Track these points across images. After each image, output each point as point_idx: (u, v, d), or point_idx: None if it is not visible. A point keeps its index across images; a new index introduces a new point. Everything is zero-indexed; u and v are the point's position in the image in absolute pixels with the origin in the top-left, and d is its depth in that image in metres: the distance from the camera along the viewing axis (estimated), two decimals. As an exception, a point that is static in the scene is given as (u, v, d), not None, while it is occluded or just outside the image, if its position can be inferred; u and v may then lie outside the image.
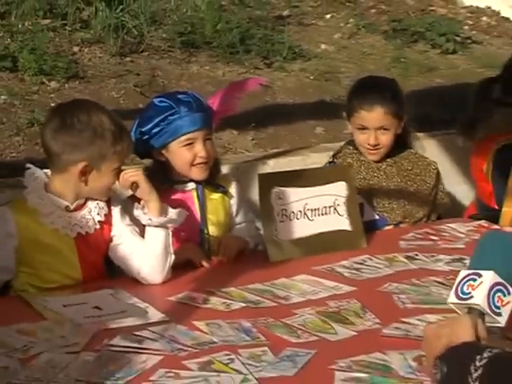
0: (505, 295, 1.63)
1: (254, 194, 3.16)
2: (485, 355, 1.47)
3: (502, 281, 1.62)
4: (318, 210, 3.08)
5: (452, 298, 1.67)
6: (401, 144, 3.47)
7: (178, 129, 2.90)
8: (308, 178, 3.12)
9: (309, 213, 3.06)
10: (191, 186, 2.99)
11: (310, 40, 6.85)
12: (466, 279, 1.65)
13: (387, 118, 3.32)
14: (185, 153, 2.92)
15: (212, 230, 3.01)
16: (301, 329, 2.28)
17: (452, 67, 6.88)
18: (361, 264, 2.89)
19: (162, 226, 2.69)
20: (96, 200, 2.71)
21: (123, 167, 2.74)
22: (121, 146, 2.65)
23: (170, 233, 2.72)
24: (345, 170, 3.22)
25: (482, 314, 1.62)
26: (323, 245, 3.04)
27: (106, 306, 2.43)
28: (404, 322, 2.31)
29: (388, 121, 3.32)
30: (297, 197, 3.04)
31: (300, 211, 3.04)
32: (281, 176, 3.13)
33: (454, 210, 3.69)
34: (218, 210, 3.05)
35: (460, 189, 4.38)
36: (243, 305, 2.48)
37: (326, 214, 3.09)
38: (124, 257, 2.72)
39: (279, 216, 3.00)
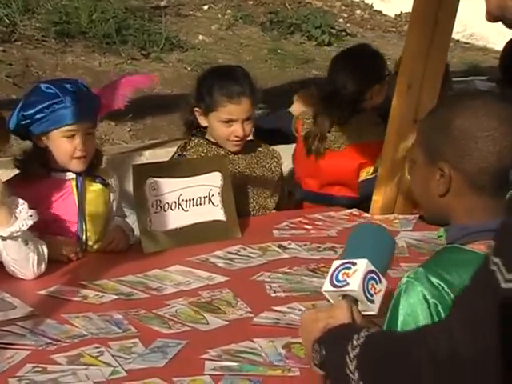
0: (377, 283, 1.66)
1: (130, 186, 3.12)
2: (362, 334, 1.48)
3: (375, 269, 1.66)
4: (193, 200, 3.08)
5: (327, 287, 1.67)
6: None
7: (61, 118, 2.81)
8: (183, 168, 3.11)
9: (183, 203, 3.05)
10: (70, 175, 2.92)
11: (188, 31, 6.84)
12: (340, 268, 1.67)
13: (252, 108, 3.31)
14: (65, 144, 2.84)
15: (90, 221, 2.96)
16: (172, 319, 2.27)
17: (327, 59, 6.95)
18: (235, 254, 2.90)
19: (12, 236, 2.58)
20: None
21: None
22: None
23: (20, 238, 2.59)
24: (219, 161, 3.22)
25: (355, 302, 1.65)
26: (198, 235, 3.03)
27: (-28, 301, 2.36)
28: (275, 311, 2.34)
29: (252, 110, 3.32)
30: (171, 187, 3.02)
31: (174, 202, 3.03)
32: (155, 167, 3.11)
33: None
34: (97, 202, 2.99)
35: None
36: (115, 297, 2.46)
37: (200, 204, 3.08)
38: None
39: (154, 207, 2.98)
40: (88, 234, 2.93)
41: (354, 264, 1.66)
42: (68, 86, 2.88)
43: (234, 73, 3.36)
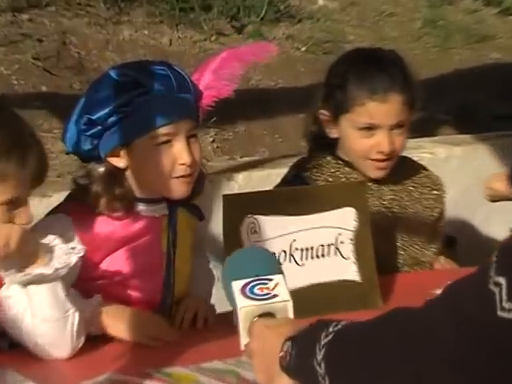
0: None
1: (216, 224, 3.16)
2: (342, 323, 1.88)
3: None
4: (312, 249, 3.10)
5: (244, 302, 2.16)
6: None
7: (149, 118, 2.79)
8: (298, 201, 3.13)
9: (297, 254, 3.07)
10: (161, 209, 2.97)
11: (302, -8, 6.92)
12: (251, 285, 2.19)
13: (405, 111, 3.32)
14: (160, 156, 2.83)
15: (179, 276, 3.02)
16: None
17: (515, 34, 6.98)
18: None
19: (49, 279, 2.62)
20: None
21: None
22: (6, 169, 2.57)
23: (60, 284, 2.63)
24: (355, 190, 3.21)
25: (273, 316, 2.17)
26: (318, 302, 3.04)
27: (-15, 393, 2.43)
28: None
29: (405, 114, 3.33)
30: (280, 230, 3.05)
31: (284, 251, 3.06)
32: (256, 198, 3.14)
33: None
34: (188, 246, 3.07)
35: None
36: (194, 393, 2.50)
37: (323, 255, 3.11)
38: (13, 318, 2.69)
39: (253, 258, 3.02)
40: (175, 296, 3.00)
41: (269, 280, 2.22)
42: (153, 68, 2.84)
43: (380, 58, 3.42)
